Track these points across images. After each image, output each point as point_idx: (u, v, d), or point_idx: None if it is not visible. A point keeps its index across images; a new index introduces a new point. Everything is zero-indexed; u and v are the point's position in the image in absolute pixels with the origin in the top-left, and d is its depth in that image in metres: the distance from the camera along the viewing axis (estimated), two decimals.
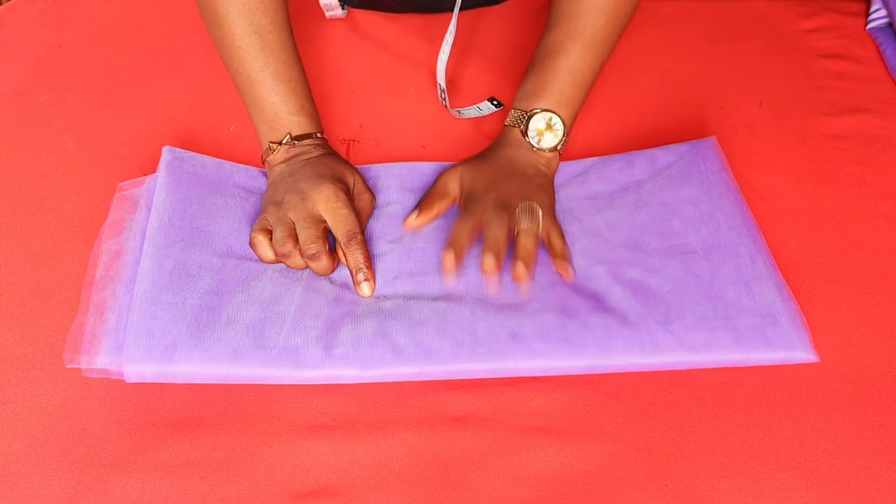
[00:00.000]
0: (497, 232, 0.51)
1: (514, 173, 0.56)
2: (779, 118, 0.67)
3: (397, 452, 0.45)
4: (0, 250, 0.56)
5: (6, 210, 0.59)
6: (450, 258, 0.50)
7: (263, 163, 0.58)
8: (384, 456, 0.45)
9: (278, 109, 0.57)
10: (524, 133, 0.57)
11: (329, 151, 0.58)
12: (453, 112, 0.67)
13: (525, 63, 0.62)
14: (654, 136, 0.65)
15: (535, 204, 0.53)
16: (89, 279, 0.52)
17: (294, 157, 0.56)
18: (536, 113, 0.57)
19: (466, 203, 0.54)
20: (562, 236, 0.54)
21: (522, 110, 0.58)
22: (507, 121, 0.59)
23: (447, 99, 0.66)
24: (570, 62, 0.58)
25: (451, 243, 0.51)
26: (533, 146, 0.57)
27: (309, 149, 0.57)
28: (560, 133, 0.57)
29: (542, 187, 0.56)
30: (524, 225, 0.52)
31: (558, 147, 0.57)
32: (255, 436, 0.46)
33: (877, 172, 0.62)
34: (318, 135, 0.58)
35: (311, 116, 0.58)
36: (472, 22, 0.77)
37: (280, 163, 0.57)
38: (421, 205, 0.56)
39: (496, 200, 0.53)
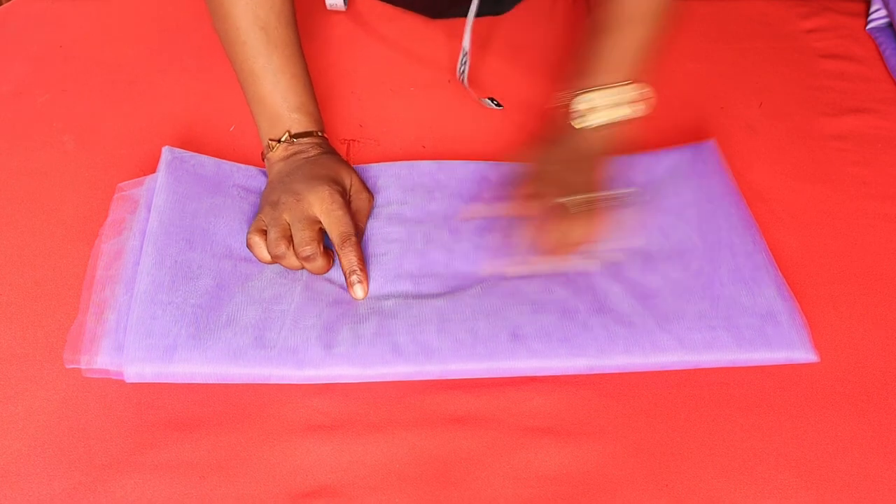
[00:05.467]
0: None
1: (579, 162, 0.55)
2: (779, 118, 0.67)
3: (397, 452, 0.45)
4: (0, 250, 0.56)
5: (6, 210, 0.59)
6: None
7: (263, 160, 0.58)
8: (384, 456, 0.45)
9: (279, 106, 0.57)
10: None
11: (328, 150, 0.58)
12: (460, 77, 0.66)
13: (537, 62, 0.61)
14: (654, 136, 0.65)
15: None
16: (89, 279, 0.52)
17: (293, 155, 0.56)
18: (615, 87, 0.56)
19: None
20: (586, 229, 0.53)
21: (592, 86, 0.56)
22: (572, 104, 0.56)
23: (468, 64, 0.64)
24: (639, 35, 0.58)
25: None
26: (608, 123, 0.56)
27: (308, 147, 0.57)
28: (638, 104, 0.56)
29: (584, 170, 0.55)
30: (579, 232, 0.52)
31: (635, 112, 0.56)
32: (255, 436, 0.46)
33: (877, 172, 0.62)
34: (318, 133, 0.58)
35: (311, 114, 0.58)
36: (488, 23, 0.77)
37: (279, 161, 0.56)
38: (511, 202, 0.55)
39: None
